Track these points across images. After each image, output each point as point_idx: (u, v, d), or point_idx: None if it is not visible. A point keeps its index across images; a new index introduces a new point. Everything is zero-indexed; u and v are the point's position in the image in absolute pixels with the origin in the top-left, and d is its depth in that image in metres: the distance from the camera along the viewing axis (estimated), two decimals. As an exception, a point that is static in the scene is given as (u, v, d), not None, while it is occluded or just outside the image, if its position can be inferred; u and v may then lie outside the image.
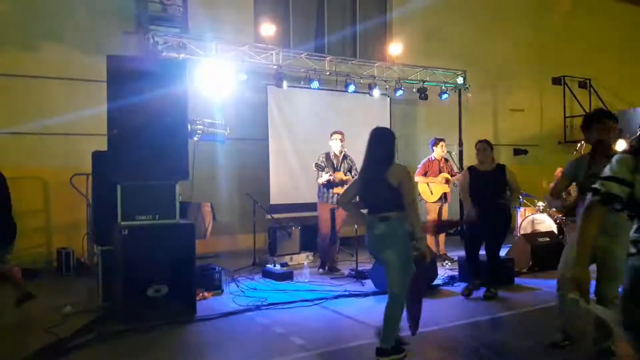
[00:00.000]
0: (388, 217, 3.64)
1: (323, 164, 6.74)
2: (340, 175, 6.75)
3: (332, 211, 6.80)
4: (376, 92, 9.19)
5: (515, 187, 5.61)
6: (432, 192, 7.48)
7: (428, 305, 5.13)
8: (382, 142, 3.81)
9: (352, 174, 6.80)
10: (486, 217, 5.37)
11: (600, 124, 3.66)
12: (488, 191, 5.48)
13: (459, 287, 5.96)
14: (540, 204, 8.27)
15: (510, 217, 5.90)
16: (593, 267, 3.14)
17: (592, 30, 12.82)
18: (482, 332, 4.45)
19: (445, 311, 5.05)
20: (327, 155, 6.87)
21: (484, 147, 5.70)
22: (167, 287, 4.72)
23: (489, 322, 4.74)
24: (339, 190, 6.71)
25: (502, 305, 5.29)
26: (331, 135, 6.93)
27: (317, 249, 7.24)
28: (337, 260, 7.06)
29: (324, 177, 6.69)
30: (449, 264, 7.26)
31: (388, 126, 9.65)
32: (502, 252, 6.08)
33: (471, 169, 5.79)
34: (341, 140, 6.82)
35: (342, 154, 6.85)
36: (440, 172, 7.50)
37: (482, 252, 5.68)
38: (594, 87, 12.82)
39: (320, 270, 6.84)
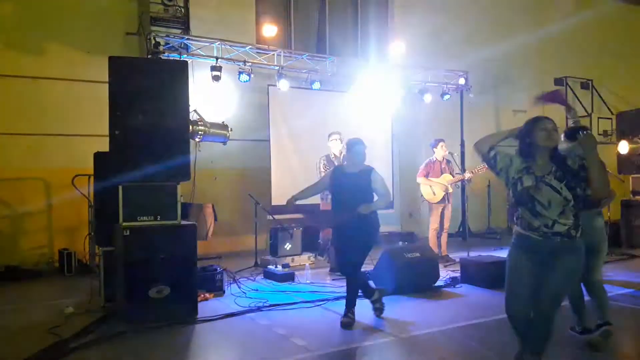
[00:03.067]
0: None
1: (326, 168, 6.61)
2: None
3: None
4: (378, 93, 9.18)
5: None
6: (434, 193, 7.47)
7: (429, 307, 5.15)
8: None
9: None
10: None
11: None
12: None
13: (461, 288, 5.95)
14: None
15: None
16: None
17: (594, 31, 12.79)
18: (485, 334, 4.43)
19: (447, 312, 5.04)
20: (328, 157, 6.83)
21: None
22: (168, 288, 4.71)
23: (492, 323, 4.71)
24: None
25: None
26: (329, 136, 6.88)
27: (322, 249, 7.20)
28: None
29: None
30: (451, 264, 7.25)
31: (390, 128, 9.70)
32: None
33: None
34: (340, 141, 6.73)
35: (342, 154, 6.74)
36: (442, 173, 7.48)
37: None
38: (596, 88, 12.78)
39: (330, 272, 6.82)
